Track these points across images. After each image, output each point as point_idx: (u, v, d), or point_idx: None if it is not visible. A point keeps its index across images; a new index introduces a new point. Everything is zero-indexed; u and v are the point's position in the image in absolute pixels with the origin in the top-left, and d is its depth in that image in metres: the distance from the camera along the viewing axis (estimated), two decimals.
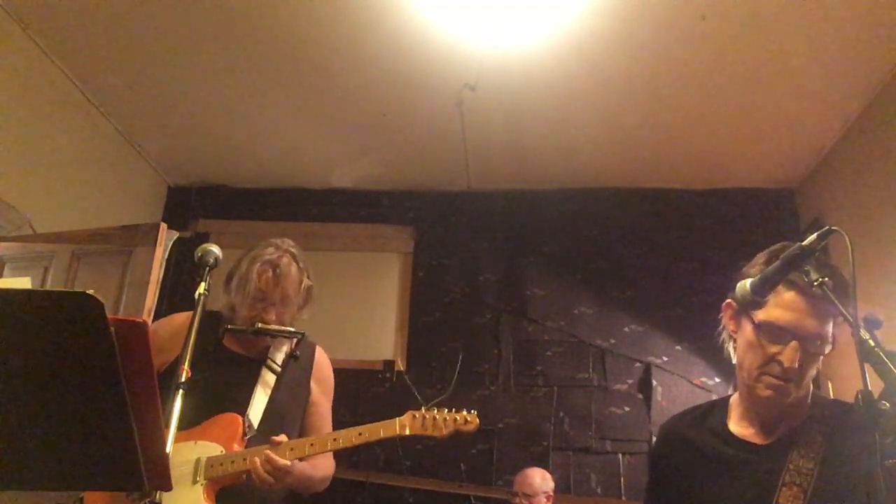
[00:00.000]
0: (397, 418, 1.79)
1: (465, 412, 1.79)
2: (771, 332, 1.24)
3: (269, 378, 1.93)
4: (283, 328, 1.93)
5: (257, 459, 1.71)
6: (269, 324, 1.90)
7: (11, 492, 1.05)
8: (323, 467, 1.94)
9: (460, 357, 4.20)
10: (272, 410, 1.89)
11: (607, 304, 4.30)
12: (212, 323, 1.95)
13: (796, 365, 1.22)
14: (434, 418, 1.78)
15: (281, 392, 1.93)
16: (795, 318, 1.23)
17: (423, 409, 1.80)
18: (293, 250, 2.00)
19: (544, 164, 4.35)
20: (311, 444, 1.78)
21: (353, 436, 1.77)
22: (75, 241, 3.10)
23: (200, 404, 1.64)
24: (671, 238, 4.42)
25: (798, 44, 3.24)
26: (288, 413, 1.95)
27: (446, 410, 1.80)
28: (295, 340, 1.97)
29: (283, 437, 1.76)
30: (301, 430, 2.00)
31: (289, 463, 1.71)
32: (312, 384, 2.04)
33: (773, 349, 1.24)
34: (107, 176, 4.11)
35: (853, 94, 3.54)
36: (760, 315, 1.25)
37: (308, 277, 1.99)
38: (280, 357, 1.97)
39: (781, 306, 1.24)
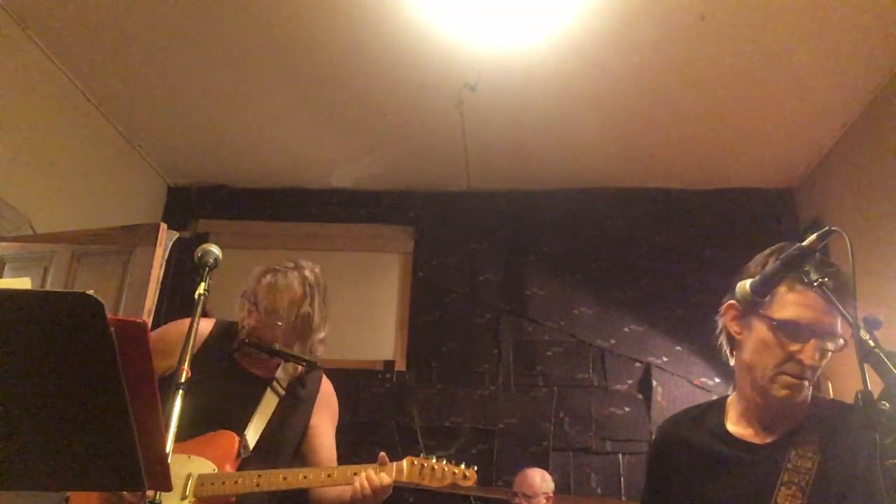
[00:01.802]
0: (395, 463, 1.77)
1: (463, 467, 1.78)
2: (792, 331, 1.25)
3: (272, 400, 1.90)
4: (296, 354, 1.88)
5: (364, 475, 1.71)
6: (244, 329, 1.89)
7: (11, 492, 1.05)
8: None
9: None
10: (270, 433, 1.87)
11: (607, 304, 4.30)
12: (228, 335, 1.93)
13: (817, 362, 1.23)
14: (433, 468, 1.76)
15: (282, 416, 1.91)
16: (815, 316, 1.23)
17: (422, 456, 1.78)
18: (307, 273, 1.94)
19: (544, 164, 4.35)
20: (304, 477, 1.76)
21: (349, 473, 1.74)
22: (75, 241, 3.10)
23: (200, 417, 1.62)
24: (671, 238, 4.41)
25: (798, 44, 3.24)
26: (285, 438, 1.92)
27: (445, 462, 1.78)
28: (304, 367, 1.93)
29: (385, 458, 1.76)
30: (299, 453, 1.97)
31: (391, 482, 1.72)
32: (315, 410, 2.00)
33: (793, 347, 1.24)
34: (107, 176, 4.11)
35: (853, 94, 3.54)
36: (780, 314, 1.25)
37: (310, 305, 1.91)
38: (286, 380, 1.94)
39: (802, 305, 1.24)
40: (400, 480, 1.75)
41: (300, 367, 1.93)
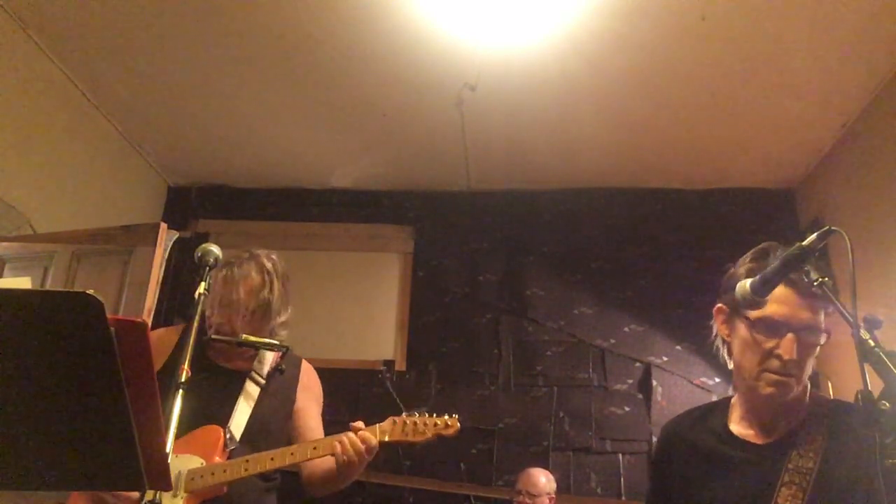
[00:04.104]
0: (378, 424, 1.77)
1: (445, 416, 1.78)
2: (767, 328, 1.26)
3: (252, 390, 1.90)
4: (266, 341, 1.89)
5: (346, 439, 1.70)
6: (211, 327, 1.88)
7: (11, 492, 1.05)
8: None
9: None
10: (255, 422, 1.86)
11: (607, 304, 4.30)
12: (198, 335, 1.92)
13: (795, 356, 1.23)
14: (414, 423, 1.76)
15: (265, 404, 1.91)
16: (789, 311, 1.24)
17: (403, 415, 1.78)
18: (264, 261, 1.95)
19: (544, 163, 4.35)
20: (292, 454, 1.77)
21: (334, 443, 1.74)
22: (75, 241, 3.10)
23: (183, 418, 1.57)
24: (671, 238, 4.42)
25: (798, 44, 3.24)
26: (272, 425, 1.92)
27: (426, 415, 1.78)
28: (280, 354, 1.94)
29: (360, 424, 1.75)
30: (288, 438, 1.97)
31: (376, 443, 1.72)
32: (298, 393, 2.00)
33: (770, 344, 1.25)
34: (107, 176, 4.11)
35: (853, 94, 3.54)
36: (754, 313, 1.26)
37: (269, 292, 1.91)
38: (265, 370, 1.95)
39: (774, 301, 1.25)
40: (384, 440, 1.75)
41: (275, 354, 1.95)
